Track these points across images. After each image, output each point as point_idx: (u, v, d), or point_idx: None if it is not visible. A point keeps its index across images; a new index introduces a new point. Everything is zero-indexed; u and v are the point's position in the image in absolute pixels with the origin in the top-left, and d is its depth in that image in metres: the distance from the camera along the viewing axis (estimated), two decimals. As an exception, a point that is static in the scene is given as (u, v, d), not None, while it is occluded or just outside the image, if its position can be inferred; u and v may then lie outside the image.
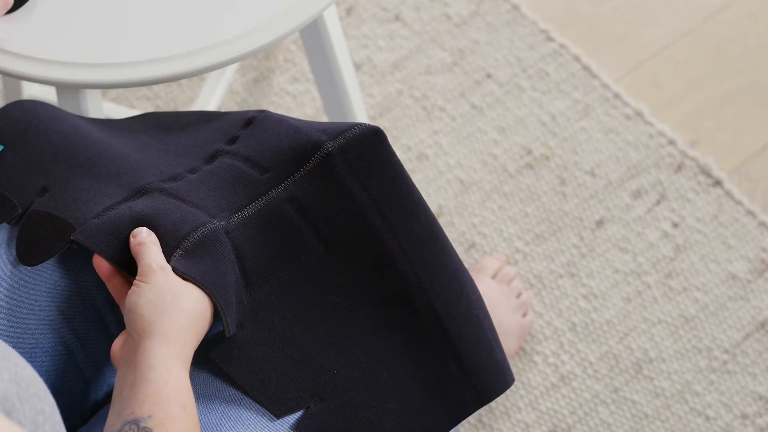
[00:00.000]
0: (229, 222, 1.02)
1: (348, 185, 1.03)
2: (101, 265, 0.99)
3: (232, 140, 1.08)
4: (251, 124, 1.08)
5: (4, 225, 1.04)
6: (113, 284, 0.99)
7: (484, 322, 1.06)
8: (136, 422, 0.88)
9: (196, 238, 0.99)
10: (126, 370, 0.92)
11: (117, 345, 0.95)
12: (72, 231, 1.01)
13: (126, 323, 0.95)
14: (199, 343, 0.96)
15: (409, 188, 1.04)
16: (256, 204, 1.03)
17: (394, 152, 1.04)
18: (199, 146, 1.09)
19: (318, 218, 1.03)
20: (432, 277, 1.04)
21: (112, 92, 1.78)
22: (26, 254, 1.02)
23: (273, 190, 1.03)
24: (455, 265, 1.06)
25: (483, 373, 1.05)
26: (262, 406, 1.00)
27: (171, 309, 0.93)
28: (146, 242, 0.97)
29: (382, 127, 1.79)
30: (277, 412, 1.00)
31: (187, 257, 0.98)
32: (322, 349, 1.02)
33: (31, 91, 1.58)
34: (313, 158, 1.03)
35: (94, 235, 0.99)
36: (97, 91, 1.24)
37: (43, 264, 1.03)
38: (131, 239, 0.98)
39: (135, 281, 0.95)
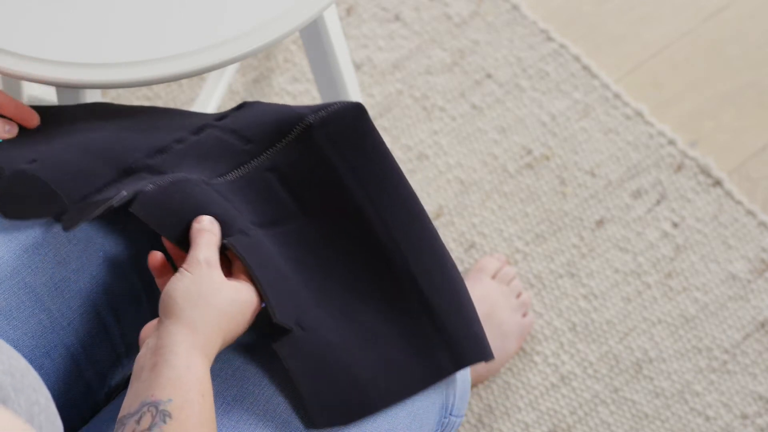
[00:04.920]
0: (209, 184, 1.03)
1: (328, 156, 1.06)
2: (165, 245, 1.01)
3: (222, 118, 1.11)
4: (242, 108, 1.11)
5: None
6: (162, 270, 1.00)
7: (464, 297, 1.08)
8: (155, 404, 0.88)
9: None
10: (147, 351, 0.92)
11: (150, 327, 0.96)
12: (58, 203, 1.02)
13: (159, 306, 0.95)
14: (224, 345, 0.96)
15: (388, 160, 1.07)
16: (237, 171, 1.07)
17: (374, 126, 1.07)
18: (190, 122, 1.12)
19: (298, 187, 1.06)
20: (409, 244, 1.06)
21: (112, 92, 1.78)
22: (6, 207, 1.04)
23: (255, 159, 1.07)
24: (433, 239, 1.08)
25: (459, 336, 1.06)
26: (267, 303, 0.99)
27: (204, 303, 0.94)
28: (207, 230, 0.98)
29: (381, 127, 1.80)
30: (276, 314, 0.99)
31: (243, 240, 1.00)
32: (302, 290, 1.03)
33: (31, 91, 1.58)
34: (294, 129, 1.07)
35: (153, 209, 1.00)
36: (97, 91, 1.24)
37: (44, 265, 1.02)
38: (194, 224, 0.99)
39: (180, 268, 0.96)
